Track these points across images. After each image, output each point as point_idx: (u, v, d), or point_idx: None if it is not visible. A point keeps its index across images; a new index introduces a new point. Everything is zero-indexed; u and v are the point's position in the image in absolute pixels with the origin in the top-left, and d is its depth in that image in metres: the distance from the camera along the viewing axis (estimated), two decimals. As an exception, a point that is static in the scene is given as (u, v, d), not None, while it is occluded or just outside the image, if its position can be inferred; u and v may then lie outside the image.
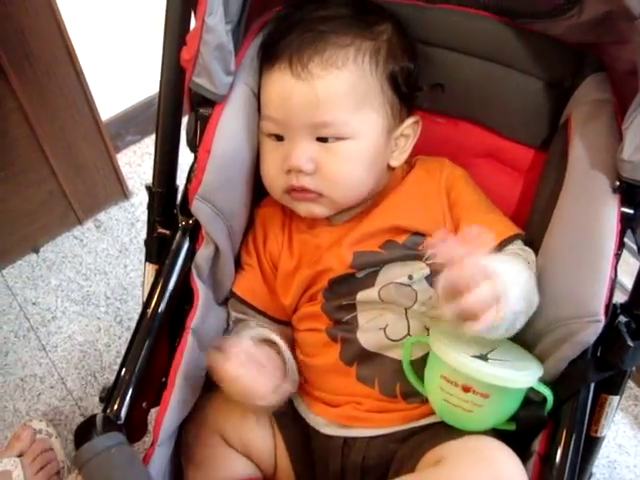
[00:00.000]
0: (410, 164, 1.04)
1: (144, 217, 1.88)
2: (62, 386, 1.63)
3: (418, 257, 0.94)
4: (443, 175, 0.99)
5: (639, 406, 1.59)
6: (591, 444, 0.93)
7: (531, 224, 1.01)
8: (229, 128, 0.91)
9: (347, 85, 0.91)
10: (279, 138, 0.95)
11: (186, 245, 0.96)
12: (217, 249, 0.95)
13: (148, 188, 1.01)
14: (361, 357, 0.94)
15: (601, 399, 0.90)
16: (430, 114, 1.08)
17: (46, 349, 1.69)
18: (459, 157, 1.10)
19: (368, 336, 0.94)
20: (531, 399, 0.87)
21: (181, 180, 1.00)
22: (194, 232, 0.96)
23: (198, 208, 0.91)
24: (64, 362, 1.66)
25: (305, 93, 0.89)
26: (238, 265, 1.03)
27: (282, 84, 0.92)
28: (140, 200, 1.95)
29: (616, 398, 0.91)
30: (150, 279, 1.00)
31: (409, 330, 0.93)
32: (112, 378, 1.63)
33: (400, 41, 0.97)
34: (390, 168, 1.00)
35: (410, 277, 0.93)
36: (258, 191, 1.03)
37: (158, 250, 1.00)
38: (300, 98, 0.90)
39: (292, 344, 1.01)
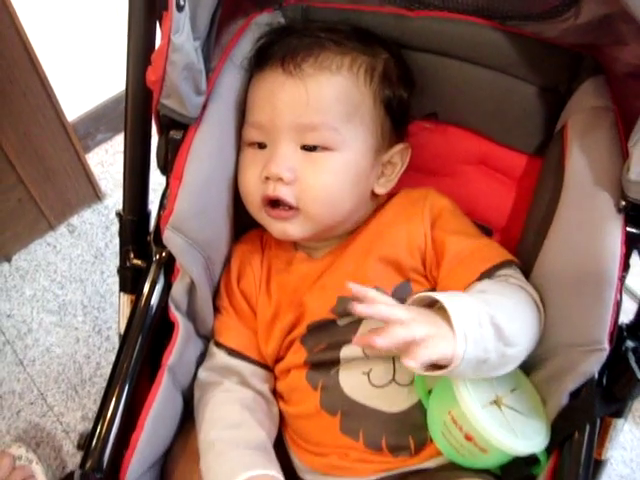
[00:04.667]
0: (392, 195, 0.98)
1: (119, 220, 1.84)
2: (42, 402, 1.59)
3: None
4: (427, 203, 0.93)
5: (634, 400, 1.57)
6: (595, 467, 0.90)
7: (526, 238, 0.96)
8: (203, 153, 0.86)
9: (339, 90, 0.88)
10: (261, 146, 0.91)
11: (162, 280, 0.91)
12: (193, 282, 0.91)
13: (118, 215, 0.95)
14: (344, 406, 0.88)
15: (606, 422, 0.87)
16: (418, 120, 1.03)
17: (23, 363, 1.64)
18: (449, 164, 1.07)
19: (350, 381, 0.89)
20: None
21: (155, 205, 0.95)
22: (169, 264, 0.91)
23: (170, 239, 0.86)
24: (43, 376, 1.62)
25: (294, 89, 0.87)
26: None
27: (271, 81, 0.89)
28: (114, 202, 1.90)
29: (621, 421, 0.87)
30: (125, 309, 0.97)
31: (394, 375, 0.87)
32: (93, 391, 1.62)
33: (397, 68, 0.95)
34: (374, 196, 0.96)
35: None
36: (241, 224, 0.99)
37: (132, 281, 0.95)
38: (289, 94, 0.87)
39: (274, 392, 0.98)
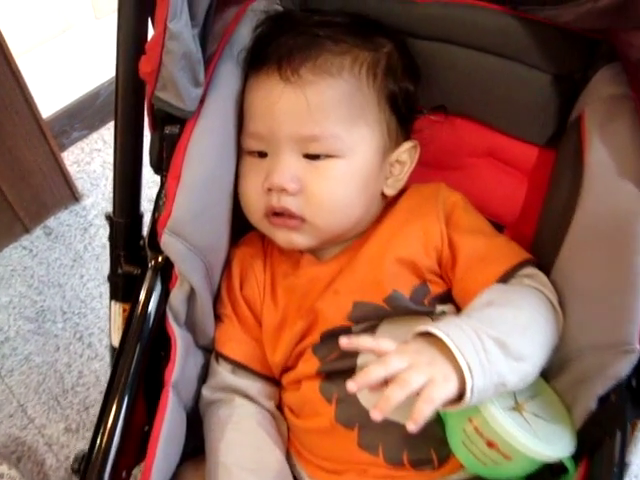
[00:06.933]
0: (402, 191, 0.95)
1: (97, 221, 1.82)
2: (22, 414, 1.55)
3: (424, 313, 0.85)
4: (440, 200, 0.90)
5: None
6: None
7: (542, 234, 0.93)
8: (202, 150, 0.81)
9: (341, 95, 0.84)
10: (262, 155, 0.87)
11: (158, 287, 0.85)
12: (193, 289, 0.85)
13: (109, 218, 0.90)
14: (362, 419, 0.83)
15: (631, 424, 0.81)
16: (425, 113, 0.99)
17: (1, 374, 1.60)
18: (457, 157, 1.04)
19: (368, 392, 0.81)
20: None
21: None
22: (166, 270, 0.85)
23: (168, 244, 0.81)
24: (22, 387, 1.58)
25: (294, 99, 0.83)
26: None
27: (269, 89, 0.85)
28: (92, 202, 1.85)
29: (646, 422, 0.84)
30: (117, 319, 0.93)
31: None
32: (75, 401, 1.57)
33: (401, 58, 0.91)
34: (383, 196, 0.92)
35: None
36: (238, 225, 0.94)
37: (124, 288, 0.90)
38: (288, 104, 0.83)
39: (280, 404, 0.93)
